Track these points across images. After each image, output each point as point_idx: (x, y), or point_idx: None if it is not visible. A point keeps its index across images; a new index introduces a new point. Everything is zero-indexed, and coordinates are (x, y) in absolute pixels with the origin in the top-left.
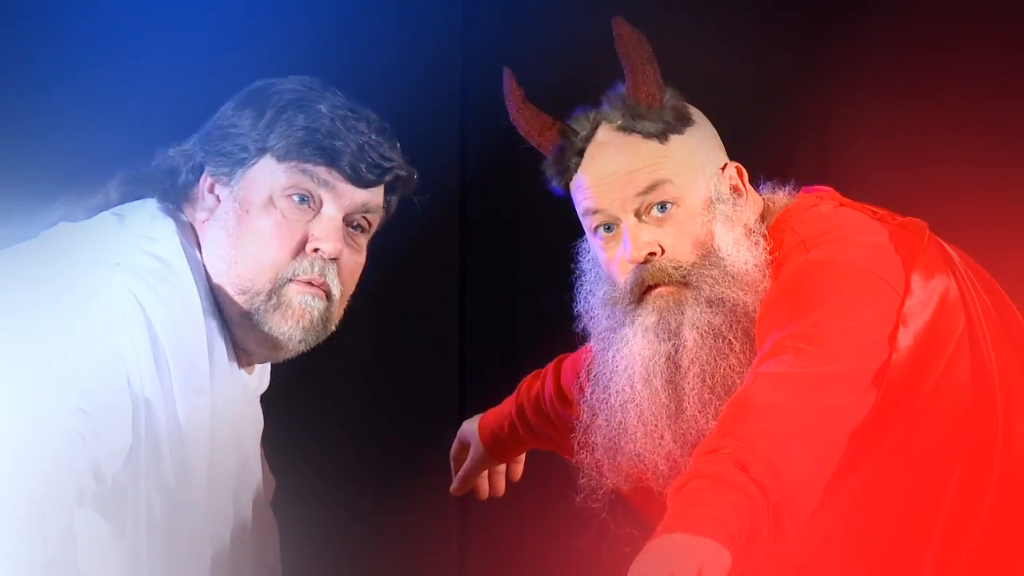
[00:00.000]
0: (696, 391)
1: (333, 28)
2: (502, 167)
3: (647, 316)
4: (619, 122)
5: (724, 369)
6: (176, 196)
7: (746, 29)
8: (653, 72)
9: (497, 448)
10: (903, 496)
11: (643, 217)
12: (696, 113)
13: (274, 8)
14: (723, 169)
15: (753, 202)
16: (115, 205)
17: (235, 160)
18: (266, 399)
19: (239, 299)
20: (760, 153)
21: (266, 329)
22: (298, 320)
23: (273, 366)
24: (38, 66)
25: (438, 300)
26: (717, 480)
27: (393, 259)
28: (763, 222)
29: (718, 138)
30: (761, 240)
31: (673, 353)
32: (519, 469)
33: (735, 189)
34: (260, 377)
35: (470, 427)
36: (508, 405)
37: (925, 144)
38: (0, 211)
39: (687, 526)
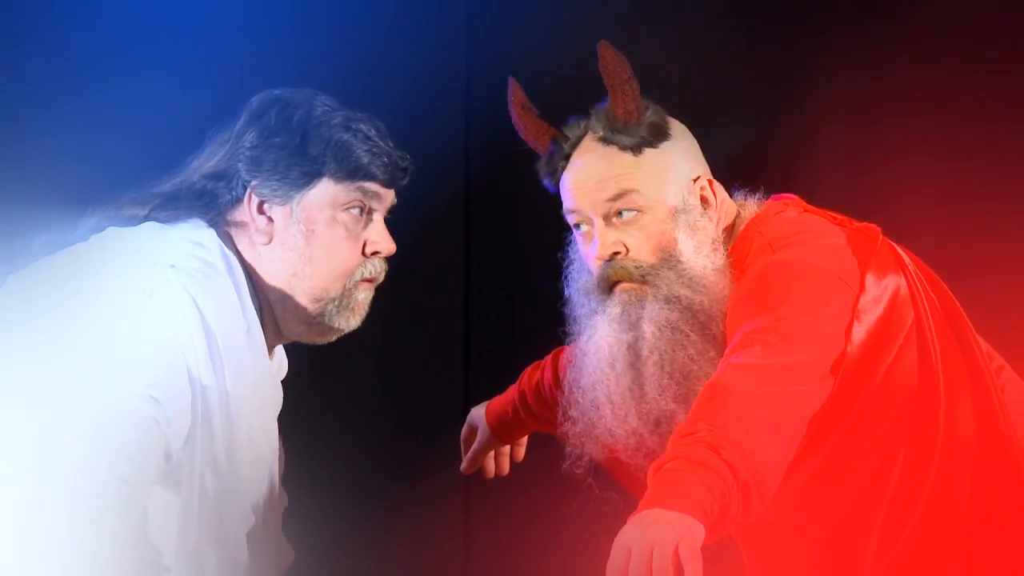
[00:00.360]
0: (655, 377)
1: (338, 31)
2: (506, 165)
3: (613, 307)
4: (600, 133)
5: (682, 358)
6: (216, 216)
7: (720, 49)
8: (631, 91)
9: (502, 431)
10: (854, 476)
11: (612, 220)
12: (677, 129)
13: (279, 11)
14: (695, 181)
15: (726, 211)
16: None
17: (290, 184)
18: None
19: (311, 306)
20: (731, 162)
21: (335, 325)
22: (360, 314)
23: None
24: (56, 80)
25: (443, 297)
26: (692, 461)
27: (398, 257)
28: (734, 227)
29: (697, 152)
30: (722, 247)
31: (633, 343)
32: (522, 451)
33: (704, 200)
34: (279, 363)
35: (478, 412)
36: (512, 393)
37: (882, 154)
38: (40, 219)
39: (666, 503)
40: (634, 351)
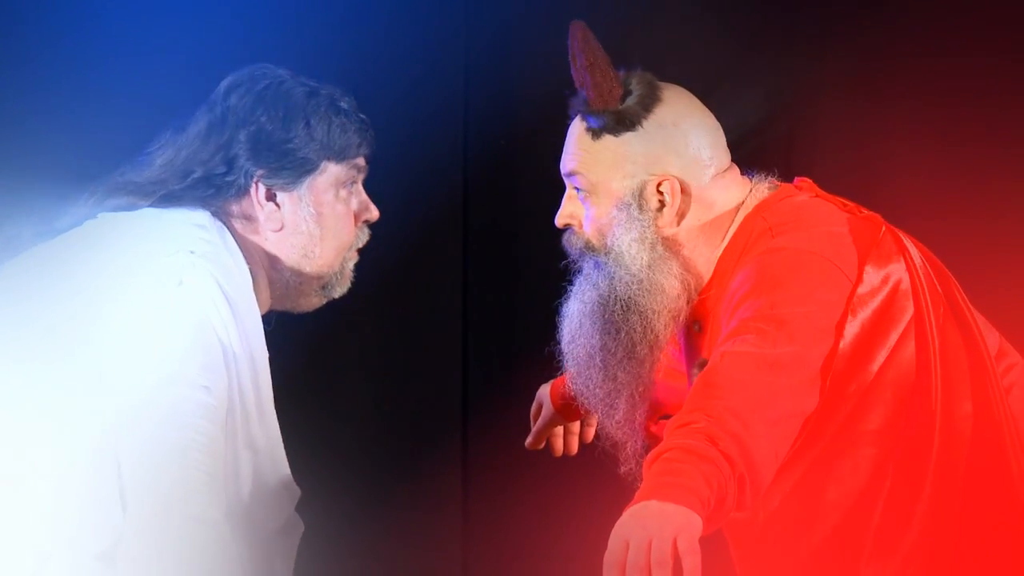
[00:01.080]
0: (571, 354)
1: (337, 29)
2: (504, 165)
3: (582, 274)
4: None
5: (580, 345)
6: (220, 205)
7: (721, 35)
8: (595, 77)
9: (565, 408)
10: (846, 476)
11: (573, 192)
12: (653, 124)
13: (277, 9)
14: (652, 178)
15: (718, 206)
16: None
17: (299, 171)
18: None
19: (317, 282)
20: (731, 147)
21: (334, 295)
22: (350, 281)
23: (276, 365)
24: (43, 65)
25: (442, 298)
26: (689, 452)
27: (397, 256)
28: (739, 210)
29: (674, 147)
30: (659, 246)
31: (570, 315)
32: (591, 432)
33: (660, 202)
34: None
35: (544, 389)
36: None
37: (882, 137)
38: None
39: (663, 494)
40: (572, 322)
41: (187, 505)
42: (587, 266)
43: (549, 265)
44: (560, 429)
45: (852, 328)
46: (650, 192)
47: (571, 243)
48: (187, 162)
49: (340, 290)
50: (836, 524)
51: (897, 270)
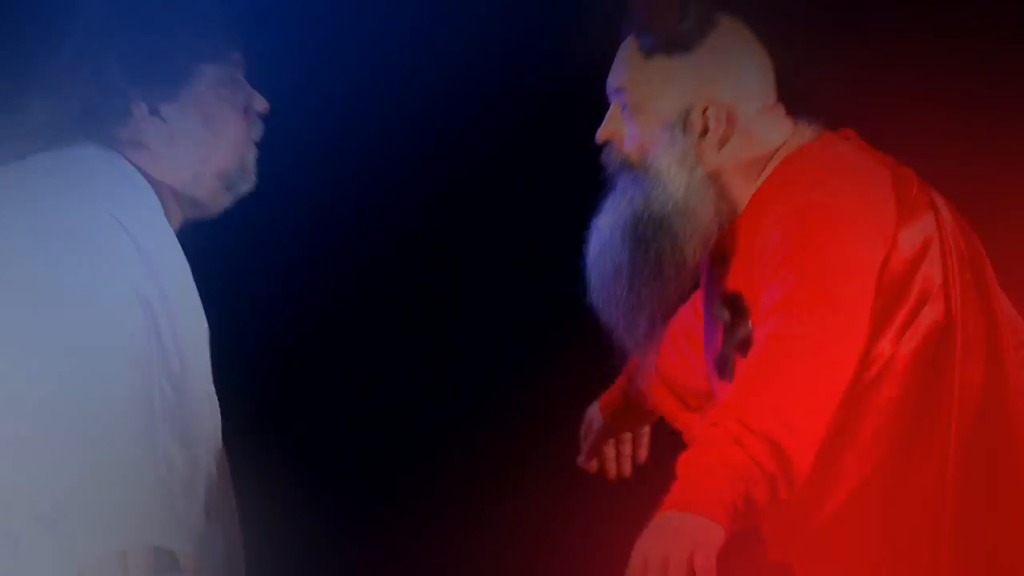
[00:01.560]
0: (597, 268)
1: (336, 27)
2: (505, 159)
3: (616, 190)
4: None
5: (607, 257)
6: (107, 134)
7: None
8: (653, 5)
9: (615, 419)
10: (867, 443)
11: (618, 108)
12: (707, 49)
13: (275, 5)
14: (699, 103)
15: (752, 140)
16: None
17: (176, 80)
18: (262, 399)
19: (219, 183)
20: None
21: (240, 192)
22: (254, 175)
23: (270, 368)
24: None
25: (441, 295)
26: (716, 456)
27: (396, 254)
28: (777, 153)
29: (727, 78)
30: (698, 170)
31: (603, 227)
32: (644, 452)
33: (705, 127)
34: None
35: (592, 407)
36: (622, 378)
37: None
38: None
39: (685, 504)
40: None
41: (118, 453)
42: (623, 182)
43: (552, 264)
44: (613, 453)
45: (883, 292)
46: (696, 116)
47: (609, 159)
48: (64, 99)
49: (245, 186)
50: (852, 490)
51: (927, 230)
